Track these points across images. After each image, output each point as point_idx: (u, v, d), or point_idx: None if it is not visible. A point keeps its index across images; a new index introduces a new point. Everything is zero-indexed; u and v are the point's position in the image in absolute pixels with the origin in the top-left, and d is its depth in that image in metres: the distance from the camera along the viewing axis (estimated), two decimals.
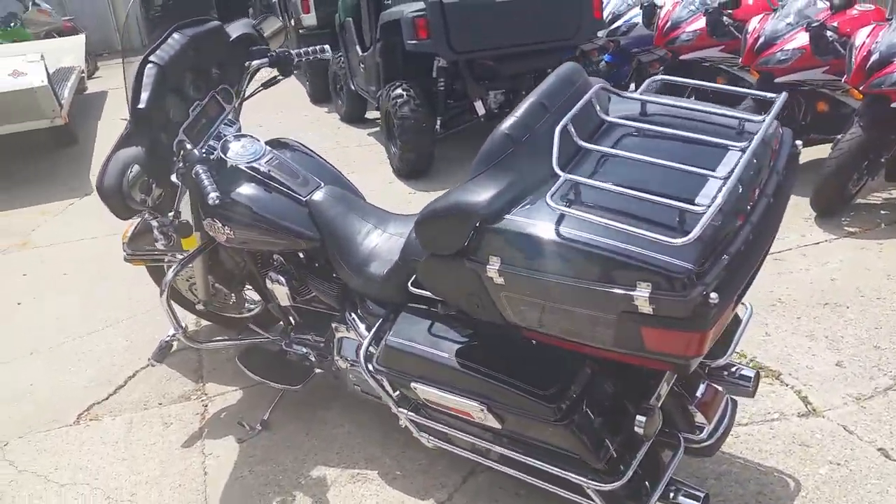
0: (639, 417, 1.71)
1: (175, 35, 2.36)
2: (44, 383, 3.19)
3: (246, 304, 3.19)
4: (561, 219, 1.51)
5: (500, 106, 5.29)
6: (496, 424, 1.85)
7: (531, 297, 1.59)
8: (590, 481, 1.73)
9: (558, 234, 1.50)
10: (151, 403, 2.98)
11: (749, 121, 1.64)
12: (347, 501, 2.36)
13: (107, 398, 3.05)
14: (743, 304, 2.21)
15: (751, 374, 2.13)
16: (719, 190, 1.42)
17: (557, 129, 1.57)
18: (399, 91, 4.99)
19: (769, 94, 1.69)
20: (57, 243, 4.71)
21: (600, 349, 1.61)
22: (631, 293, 1.41)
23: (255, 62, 2.68)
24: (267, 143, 2.57)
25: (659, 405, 1.76)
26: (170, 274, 2.65)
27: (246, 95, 2.76)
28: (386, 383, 2.06)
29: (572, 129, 1.60)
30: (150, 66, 2.28)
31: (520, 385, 1.75)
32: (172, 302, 2.76)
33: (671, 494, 1.89)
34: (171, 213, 2.35)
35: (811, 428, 2.45)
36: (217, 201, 2.18)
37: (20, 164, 6.63)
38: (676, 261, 1.39)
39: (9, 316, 3.83)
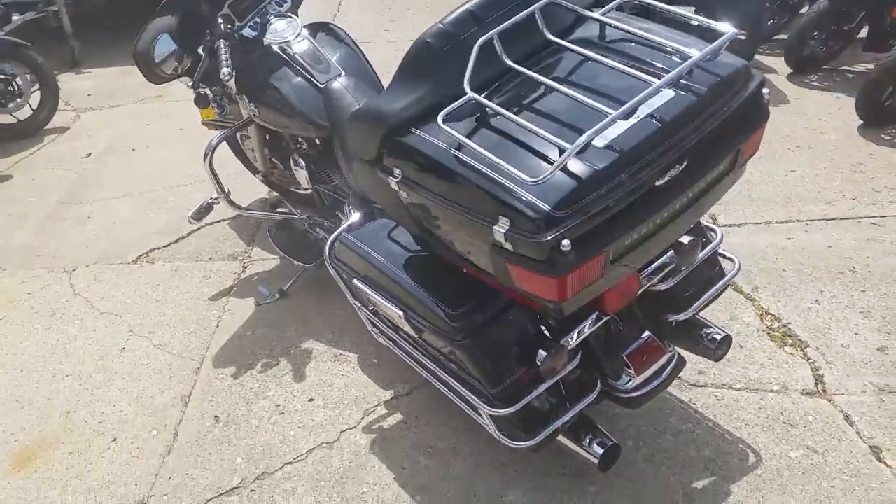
0: (540, 352, 1.68)
1: None
2: (124, 223, 3.62)
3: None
4: (448, 140, 1.46)
5: None
6: (413, 334, 1.89)
7: (424, 215, 1.59)
8: (482, 404, 1.74)
9: (441, 155, 1.47)
10: (202, 257, 3.29)
11: (682, 53, 1.45)
12: (321, 376, 2.54)
13: (167, 245, 3.41)
14: (730, 258, 2.04)
15: (718, 336, 1.97)
16: (595, 130, 1.31)
17: (477, 44, 1.49)
18: None
19: (716, 24, 1.46)
20: (185, 100, 5.15)
21: (489, 279, 1.59)
22: (492, 227, 1.36)
23: None
24: (307, 26, 2.62)
25: (572, 345, 1.71)
26: (213, 141, 2.85)
27: None
28: (340, 276, 2.15)
29: (499, 46, 1.51)
30: None
31: (432, 299, 1.76)
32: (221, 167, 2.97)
33: (582, 436, 1.85)
34: (190, 84, 2.51)
35: (808, 408, 2.24)
36: (227, 77, 2.30)
37: None
38: (536, 200, 1.33)
39: (121, 159, 4.32)
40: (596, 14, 1.58)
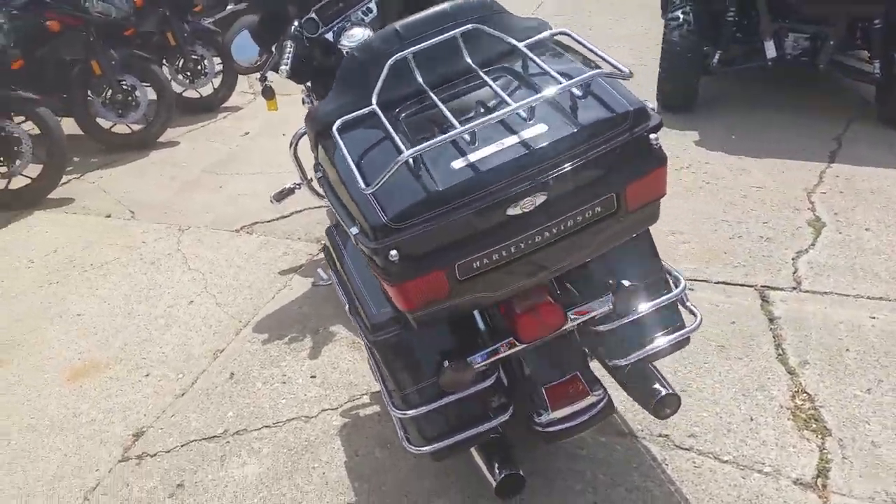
0: (444, 364, 1.72)
1: None
2: (247, 197, 4.11)
3: None
4: (331, 146, 1.59)
5: (801, 53, 4.54)
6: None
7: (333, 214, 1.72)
8: (389, 403, 1.83)
9: (327, 159, 1.60)
10: (292, 236, 3.65)
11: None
12: (331, 358, 2.74)
13: (269, 221, 3.82)
14: (692, 312, 1.92)
15: (662, 392, 1.87)
16: (421, 148, 1.38)
17: (389, 60, 1.59)
18: (677, 13, 4.63)
19: (621, 68, 1.44)
20: None
21: None
22: (349, 229, 1.47)
23: None
24: None
25: (479, 364, 1.73)
26: (299, 130, 3.16)
27: None
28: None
29: (412, 65, 1.61)
30: None
31: (365, 296, 1.87)
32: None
33: (493, 457, 1.86)
34: (258, 76, 2.82)
35: (792, 500, 2.02)
36: (284, 74, 2.56)
37: None
38: (377, 209, 1.42)
39: (270, 141, 4.86)
40: (514, 41, 1.61)
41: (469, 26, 1.63)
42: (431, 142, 1.38)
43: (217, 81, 5.36)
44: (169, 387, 2.68)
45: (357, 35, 2.72)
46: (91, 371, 2.79)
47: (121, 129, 4.91)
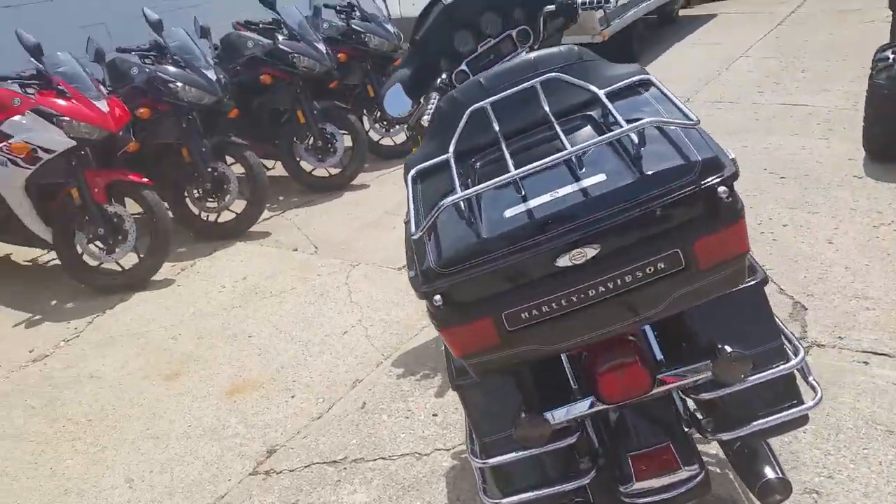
0: (522, 416, 1.69)
1: None
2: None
3: None
4: (407, 192, 1.65)
5: None
6: None
7: None
8: (469, 450, 1.81)
9: (407, 202, 1.64)
10: None
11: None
12: (457, 399, 2.76)
13: None
14: (813, 386, 1.70)
15: (770, 476, 1.67)
16: (459, 196, 1.39)
17: (468, 111, 1.61)
18: (887, 53, 4.17)
19: (689, 115, 1.35)
20: None
21: None
22: (408, 273, 1.53)
23: (546, 7, 2.93)
24: None
25: (556, 421, 1.64)
26: None
27: (543, 39, 3.04)
28: None
29: (491, 114, 1.62)
30: (437, 5, 2.80)
31: None
32: None
33: None
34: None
35: None
36: (426, 124, 2.68)
37: None
38: (429, 254, 1.43)
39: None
40: (593, 89, 1.55)
41: (548, 76, 1.61)
42: (471, 190, 1.39)
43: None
44: (308, 409, 2.88)
45: None
46: (247, 388, 3.08)
47: (320, 172, 5.41)
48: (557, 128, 1.54)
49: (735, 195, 1.36)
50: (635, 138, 1.41)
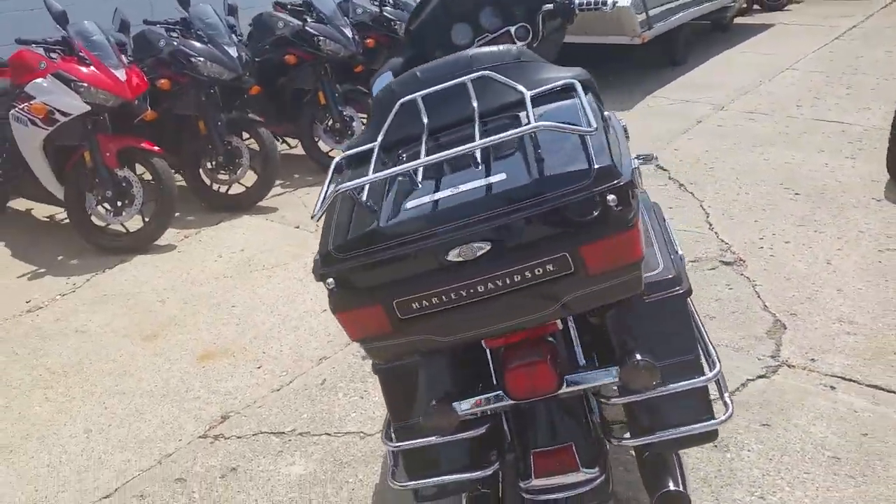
0: (431, 404, 1.62)
1: None
2: None
3: None
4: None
5: None
6: None
7: None
8: (383, 433, 1.77)
9: None
10: None
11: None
12: None
13: None
14: (726, 403, 1.65)
15: (670, 488, 1.64)
16: (346, 185, 1.39)
17: (398, 102, 1.61)
18: None
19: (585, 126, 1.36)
20: None
21: None
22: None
23: (545, 6, 2.89)
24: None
25: (461, 412, 1.60)
26: None
27: (542, 37, 2.99)
28: None
29: (421, 108, 1.60)
30: None
31: None
32: None
33: None
34: None
35: None
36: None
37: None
38: (328, 240, 1.44)
39: None
40: (521, 89, 1.50)
41: (478, 73, 1.58)
42: (364, 178, 1.39)
43: None
44: (270, 381, 2.93)
45: None
46: (218, 355, 3.16)
47: (336, 153, 5.47)
48: (476, 125, 1.53)
49: (628, 204, 1.33)
50: (543, 139, 1.41)
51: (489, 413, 1.65)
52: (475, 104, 1.61)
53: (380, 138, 1.61)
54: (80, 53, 4.07)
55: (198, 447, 2.60)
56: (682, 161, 4.85)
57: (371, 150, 1.60)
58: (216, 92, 4.66)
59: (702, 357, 1.62)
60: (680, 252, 1.86)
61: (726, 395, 1.64)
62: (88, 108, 3.99)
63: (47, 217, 5.04)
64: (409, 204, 1.41)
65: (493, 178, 1.39)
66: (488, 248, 1.35)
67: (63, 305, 3.75)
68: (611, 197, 1.31)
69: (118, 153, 4.19)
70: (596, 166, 1.34)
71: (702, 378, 1.58)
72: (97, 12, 4.75)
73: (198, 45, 4.55)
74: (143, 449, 2.63)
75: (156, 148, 4.27)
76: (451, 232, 1.35)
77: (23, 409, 2.92)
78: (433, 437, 1.66)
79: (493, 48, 1.75)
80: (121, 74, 4.12)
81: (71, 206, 4.28)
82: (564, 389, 1.57)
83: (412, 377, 1.70)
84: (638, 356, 1.50)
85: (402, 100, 1.61)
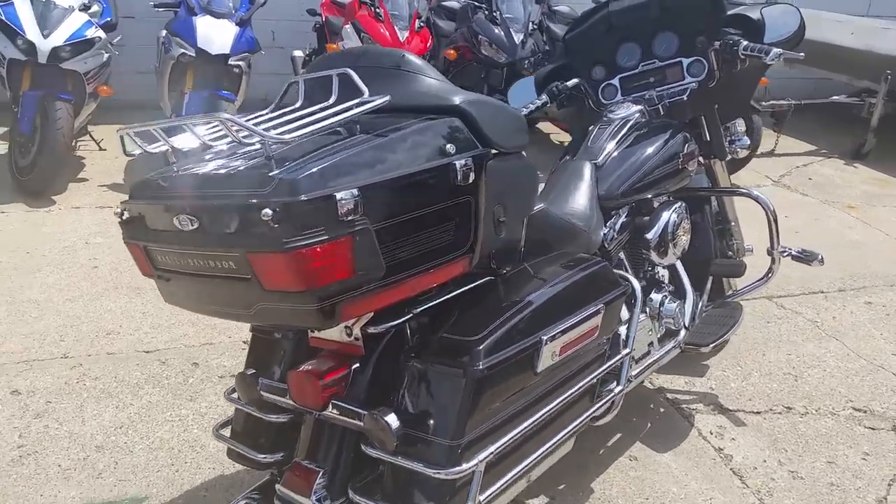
0: (246, 372, 1.71)
1: None
2: None
3: None
4: None
5: None
6: None
7: None
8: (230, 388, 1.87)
9: None
10: None
11: None
12: None
13: None
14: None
15: None
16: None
17: (288, 83, 1.58)
18: None
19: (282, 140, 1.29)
20: None
21: None
22: None
23: (714, 43, 2.38)
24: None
25: (264, 393, 1.68)
26: None
27: (718, 78, 2.45)
28: None
29: (301, 91, 1.55)
30: (602, 9, 2.51)
31: None
32: None
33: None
34: None
35: None
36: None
37: None
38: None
39: None
40: (366, 93, 1.40)
41: (340, 70, 1.46)
42: (152, 123, 1.42)
43: None
44: None
45: (621, 109, 2.40)
46: None
47: None
48: (298, 113, 1.45)
49: (291, 225, 1.20)
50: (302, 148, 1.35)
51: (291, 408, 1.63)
52: (333, 98, 1.47)
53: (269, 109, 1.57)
54: (378, 9, 4.65)
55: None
56: None
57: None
58: (502, 72, 4.73)
59: (462, 453, 1.40)
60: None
61: (477, 493, 1.41)
62: None
63: None
64: (196, 169, 1.44)
65: (242, 164, 1.39)
66: (196, 226, 1.34)
67: None
68: (265, 211, 1.21)
69: None
70: (280, 177, 1.24)
71: (441, 470, 1.37)
72: None
73: (489, 26, 4.67)
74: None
75: None
76: (177, 199, 1.40)
77: None
78: (251, 408, 1.71)
79: (386, 49, 1.69)
80: (401, 35, 4.57)
81: None
82: (328, 412, 1.52)
83: (266, 345, 1.77)
84: (382, 415, 1.39)
85: (290, 82, 1.57)
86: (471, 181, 1.37)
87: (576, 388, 1.64)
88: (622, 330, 1.91)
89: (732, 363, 2.90)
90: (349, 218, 1.19)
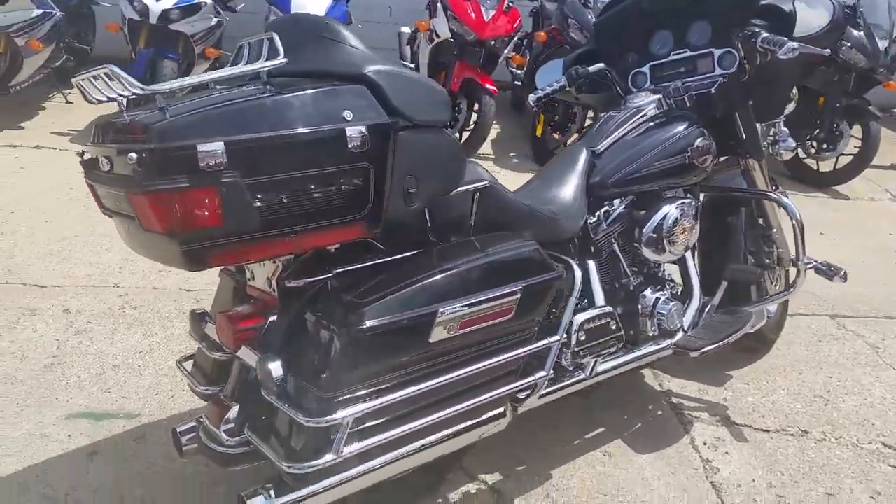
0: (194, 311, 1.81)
1: None
2: None
3: None
4: None
5: None
6: None
7: None
8: None
9: None
10: None
11: None
12: None
13: None
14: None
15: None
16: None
17: (238, 44, 1.58)
18: None
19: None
20: None
21: None
22: None
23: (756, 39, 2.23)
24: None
25: (207, 332, 1.77)
26: None
27: (749, 72, 2.32)
28: None
29: (245, 52, 1.53)
30: None
31: None
32: None
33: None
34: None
35: None
36: (532, 101, 2.48)
37: None
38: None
39: None
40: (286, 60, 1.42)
41: (266, 34, 1.46)
42: (178, 82, 1.41)
43: None
44: None
45: (637, 99, 2.34)
46: None
47: None
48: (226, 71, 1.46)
49: (152, 169, 1.25)
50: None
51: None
52: (263, 60, 1.45)
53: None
54: None
55: None
56: None
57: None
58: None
59: (334, 406, 1.44)
60: None
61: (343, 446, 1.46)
62: (448, 35, 4.65)
63: None
64: (134, 113, 1.41)
65: (144, 113, 1.37)
66: (108, 167, 1.38)
67: None
68: (131, 155, 1.26)
69: (462, 81, 4.76)
70: (151, 125, 1.28)
71: (311, 419, 1.42)
72: None
73: (584, 10, 4.56)
74: None
75: (490, 87, 4.67)
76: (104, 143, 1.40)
77: None
78: (202, 345, 1.79)
79: (318, 16, 1.73)
80: (486, 15, 4.59)
81: None
82: (239, 354, 1.60)
83: (222, 288, 1.82)
84: (273, 358, 1.48)
85: (241, 41, 1.57)
86: (368, 149, 1.37)
87: (480, 366, 1.62)
88: (566, 317, 1.86)
89: (760, 377, 2.72)
90: (213, 170, 1.23)
